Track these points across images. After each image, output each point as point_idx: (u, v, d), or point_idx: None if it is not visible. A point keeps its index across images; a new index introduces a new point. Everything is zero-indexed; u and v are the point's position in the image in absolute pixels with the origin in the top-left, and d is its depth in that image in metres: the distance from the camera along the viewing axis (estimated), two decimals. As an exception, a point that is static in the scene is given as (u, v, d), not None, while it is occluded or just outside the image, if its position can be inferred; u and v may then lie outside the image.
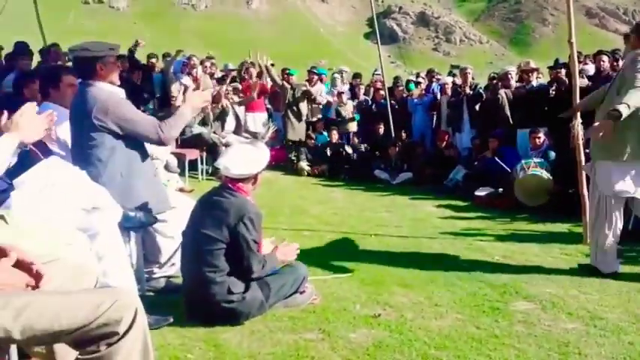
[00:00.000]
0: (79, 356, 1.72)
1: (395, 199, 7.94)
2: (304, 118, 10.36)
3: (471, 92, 9.21)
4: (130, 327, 1.70)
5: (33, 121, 2.53)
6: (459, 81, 9.92)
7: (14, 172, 2.64)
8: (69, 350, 1.80)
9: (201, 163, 8.75)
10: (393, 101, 10.17)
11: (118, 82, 3.44)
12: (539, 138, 7.57)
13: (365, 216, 6.61)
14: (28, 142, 2.55)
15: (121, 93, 3.41)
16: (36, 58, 7.96)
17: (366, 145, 10.19)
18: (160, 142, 3.40)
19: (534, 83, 8.36)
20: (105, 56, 3.33)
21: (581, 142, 4.84)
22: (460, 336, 3.05)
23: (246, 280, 3.21)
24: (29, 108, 2.55)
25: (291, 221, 6.07)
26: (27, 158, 2.72)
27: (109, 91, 3.33)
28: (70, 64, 8.32)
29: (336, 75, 11.99)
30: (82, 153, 3.29)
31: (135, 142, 3.39)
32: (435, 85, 10.92)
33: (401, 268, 4.32)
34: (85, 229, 2.68)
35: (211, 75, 10.77)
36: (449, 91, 9.60)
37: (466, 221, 6.36)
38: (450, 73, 10.93)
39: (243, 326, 3.13)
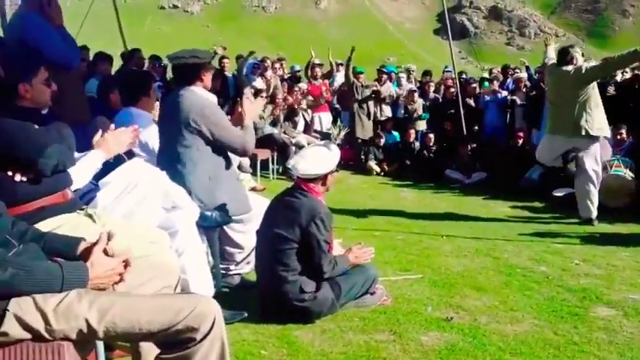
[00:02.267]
0: (161, 355, 1.79)
1: (467, 199, 7.78)
2: (372, 117, 10.35)
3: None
4: (207, 334, 1.74)
5: (120, 137, 2.70)
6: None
7: (100, 173, 2.79)
8: (152, 346, 1.87)
9: (272, 163, 8.90)
10: (464, 98, 9.95)
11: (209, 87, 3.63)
12: (620, 134, 7.30)
13: (436, 216, 6.51)
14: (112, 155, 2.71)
15: (213, 98, 3.60)
16: (116, 62, 8.31)
17: (434, 144, 10.02)
18: (243, 153, 3.65)
19: (618, 79, 7.97)
20: (207, 63, 3.52)
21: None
22: (537, 342, 2.96)
23: (317, 279, 3.25)
24: (121, 132, 2.72)
25: (361, 221, 6.07)
26: (111, 160, 2.86)
27: (206, 97, 3.54)
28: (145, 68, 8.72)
29: (401, 74, 11.86)
30: (174, 152, 3.46)
31: (221, 148, 3.57)
32: (509, 80, 10.62)
33: (474, 271, 4.23)
34: (165, 227, 2.80)
35: (281, 77, 10.93)
36: (524, 88, 9.29)
37: (543, 223, 6.13)
38: (527, 69, 10.58)
39: (315, 325, 3.17)
